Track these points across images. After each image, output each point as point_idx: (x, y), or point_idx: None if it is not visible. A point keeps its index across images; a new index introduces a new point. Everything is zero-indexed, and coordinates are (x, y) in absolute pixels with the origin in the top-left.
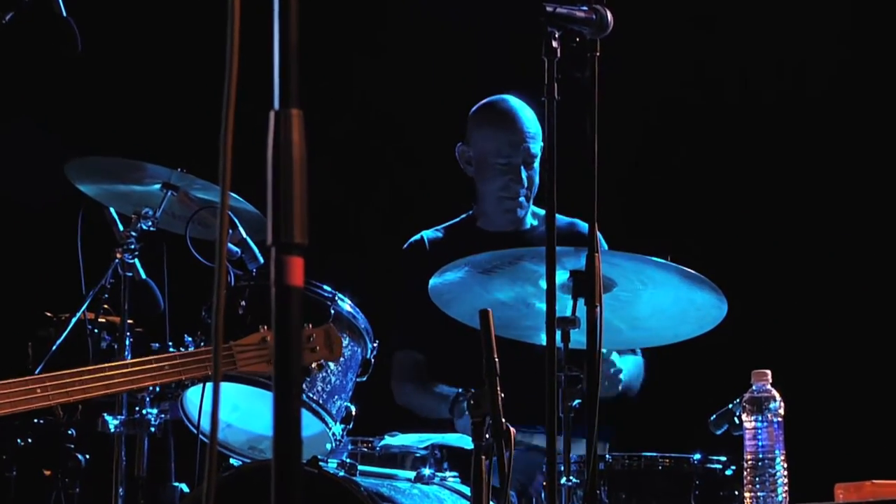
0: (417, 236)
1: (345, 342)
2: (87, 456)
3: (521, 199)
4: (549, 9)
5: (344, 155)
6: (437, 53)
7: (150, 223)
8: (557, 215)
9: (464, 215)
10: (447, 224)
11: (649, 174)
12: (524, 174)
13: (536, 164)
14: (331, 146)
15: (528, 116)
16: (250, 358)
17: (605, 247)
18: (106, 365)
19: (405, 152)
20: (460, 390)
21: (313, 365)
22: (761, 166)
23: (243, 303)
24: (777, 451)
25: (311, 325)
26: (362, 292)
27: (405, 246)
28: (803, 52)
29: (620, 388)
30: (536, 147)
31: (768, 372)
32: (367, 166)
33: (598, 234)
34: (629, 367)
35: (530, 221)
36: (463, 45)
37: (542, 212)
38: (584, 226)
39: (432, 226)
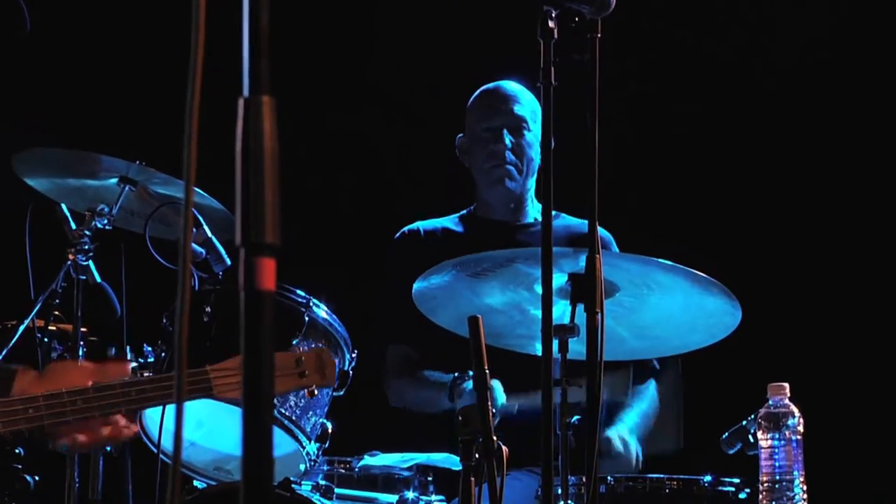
0: (413, 225)
1: None
2: (37, 477)
3: (510, 167)
4: None
5: (321, 147)
6: (432, 40)
7: (105, 221)
8: (572, 217)
9: (464, 211)
10: (448, 217)
11: (654, 168)
12: (508, 138)
13: (531, 138)
14: (306, 136)
15: (514, 86)
16: (230, 384)
17: (616, 249)
18: (64, 391)
19: (392, 145)
20: (456, 374)
21: (307, 393)
22: (779, 160)
23: (208, 309)
24: (796, 472)
25: (301, 349)
26: (340, 298)
27: (398, 235)
28: (830, 43)
29: (634, 463)
30: (523, 111)
31: (786, 385)
32: (347, 159)
33: (609, 236)
34: (636, 418)
35: (534, 215)
36: (461, 32)
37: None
38: (602, 232)
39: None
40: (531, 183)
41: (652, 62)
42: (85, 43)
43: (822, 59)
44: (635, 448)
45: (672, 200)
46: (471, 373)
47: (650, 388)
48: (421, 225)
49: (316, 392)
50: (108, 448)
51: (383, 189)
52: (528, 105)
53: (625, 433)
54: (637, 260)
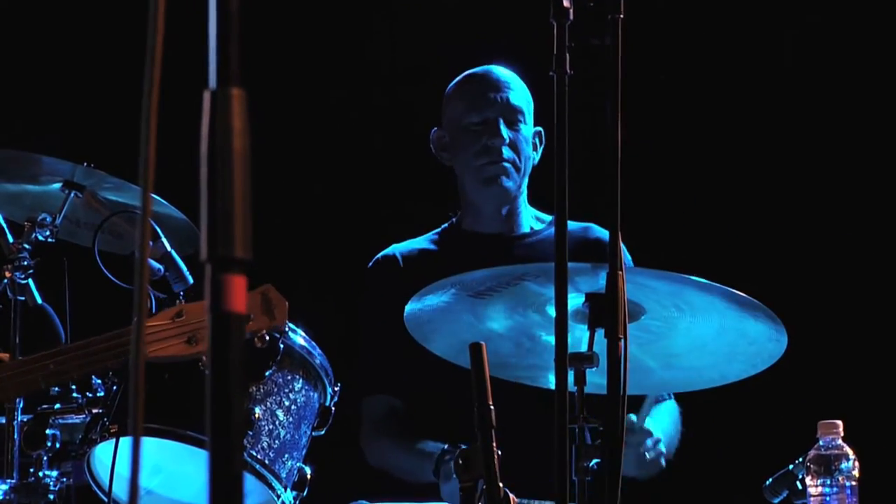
0: (388, 250)
1: (297, 385)
2: None
3: (506, 164)
4: None
5: (299, 147)
6: (420, 25)
7: (47, 232)
8: (571, 221)
9: (446, 224)
10: (425, 236)
11: (686, 171)
12: (505, 131)
13: (527, 133)
14: (281, 134)
15: (504, 71)
16: (163, 338)
17: (630, 262)
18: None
19: (382, 144)
20: (446, 446)
21: (255, 341)
22: (836, 161)
23: None
24: None
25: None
26: (319, 323)
27: (371, 264)
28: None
29: (664, 462)
30: (520, 102)
31: (839, 423)
32: (331, 162)
33: (622, 248)
34: (666, 427)
35: (530, 224)
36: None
37: (547, 216)
38: (601, 232)
39: (407, 239)
40: (524, 187)
41: (684, 47)
42: (23, 25)
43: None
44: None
45: (703, 208)
46: (463, 446)
47: (672, 408)
48: (397, 249)
49: (266, 338)
50: (51, 496)
51: (371, 196)
52: (523, 95)
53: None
54: (666, 277)
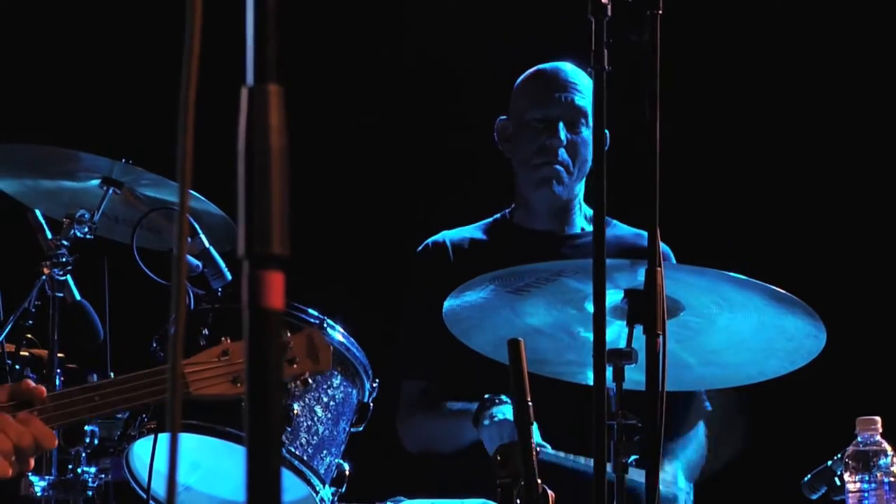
0: (438, 237)
1: (336, 381)
2: None
3: (559, 168)
4: None
5: (336, 143)
6: (466, 20)
7: (86, 229)
8: (622, 225)
9: (498, 215)
10: (476, 225)
11: (725, 167)
12: (564, 133)
13: (587, 135)
14: (318, 131)
15: (574, 71)
16: (208, 377)
17: (673, 261)
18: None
19: (419, 140)
20: (487, 396)
21: (296, 383)
22: (868, 160)
23: (206, 331)
24: None
25: (288, 332)
26: (358, 319)
27: (420, 248)
28: None
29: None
30: (584, 103)
31: (878, 419)
32: (368, 157)
33: (667, 249)
34: (685, 467)
35: (581, 224)
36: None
37: None
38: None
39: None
40: (580, 188)
41: (722, 44)
42: (63, 23)
43: None
44: (685, 489)
45: (742, 204)
46: (504, 397)
47: (699, 434)
48: (447, 236)
49: (310, 381)
50: (90, 493)
51: (409, 190)
52: (589, 96)
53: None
54: (705, 274)
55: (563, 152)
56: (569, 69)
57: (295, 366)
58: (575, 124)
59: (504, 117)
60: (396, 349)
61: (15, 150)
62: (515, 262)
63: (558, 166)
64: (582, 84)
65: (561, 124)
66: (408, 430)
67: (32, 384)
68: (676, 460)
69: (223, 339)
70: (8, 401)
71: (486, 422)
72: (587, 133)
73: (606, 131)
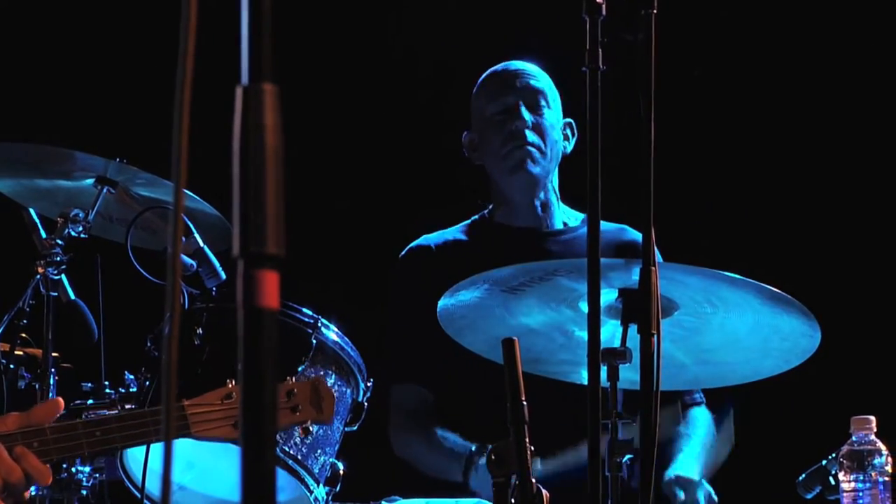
0: (421, 241)
1: (330, 381)
2: None
3: (531, 149)
4: None
5: (331, 142)
6: (450, 25)
7: (80, 228)
8: (606, 222)
9: (476, 216)
10: (456, 227)
11: (719, 167)
12: (527, 115)
13: (551, 118)
14: (313, 130)
15: (521, 62)
16: (211, 419)
17: (661, 259)
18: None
19: (413, 143)
20: (474, 447)
21: (297, 430)
22: (863, 159)
23: (200, 331)
24: None
25: (292, 379)
26: (353, 318)
27: (403, 253)
28: None
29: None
30: (540, 85)
31: (872, 418)
32: (363, 157)
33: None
34: (705, 442)
35: (562, 219)
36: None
37: (580, 215)
38: (636, 234)
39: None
40: (555, 178)
41: (717, 42)
42: (58, 22)
43: None
44: (705, 491)
45: (736, 203)
46: (490, 447)
47: (702, 415)
48: (430, 240)
49: (311, 430)
50: (84, 493)
51: (404, 189)
52: (543, 80)
53: (686, 472)
54: (699, 273)
55: (530, 134)
56: (517, 62)
57: (298, 413)
58: (535, 106)
59: (467, 132)
60: (381, 356)
61: (9, 149)
62: (500, 260)
63: (529, 147)
64: (533, 69)
65: (522, 106)
66: (398, 441)
67: (43, 412)
68: (687, 450)
69: (228, 382)
70: (17, 429)
71: (479, 475)
72: (549, 115)
73: (572, 121)
